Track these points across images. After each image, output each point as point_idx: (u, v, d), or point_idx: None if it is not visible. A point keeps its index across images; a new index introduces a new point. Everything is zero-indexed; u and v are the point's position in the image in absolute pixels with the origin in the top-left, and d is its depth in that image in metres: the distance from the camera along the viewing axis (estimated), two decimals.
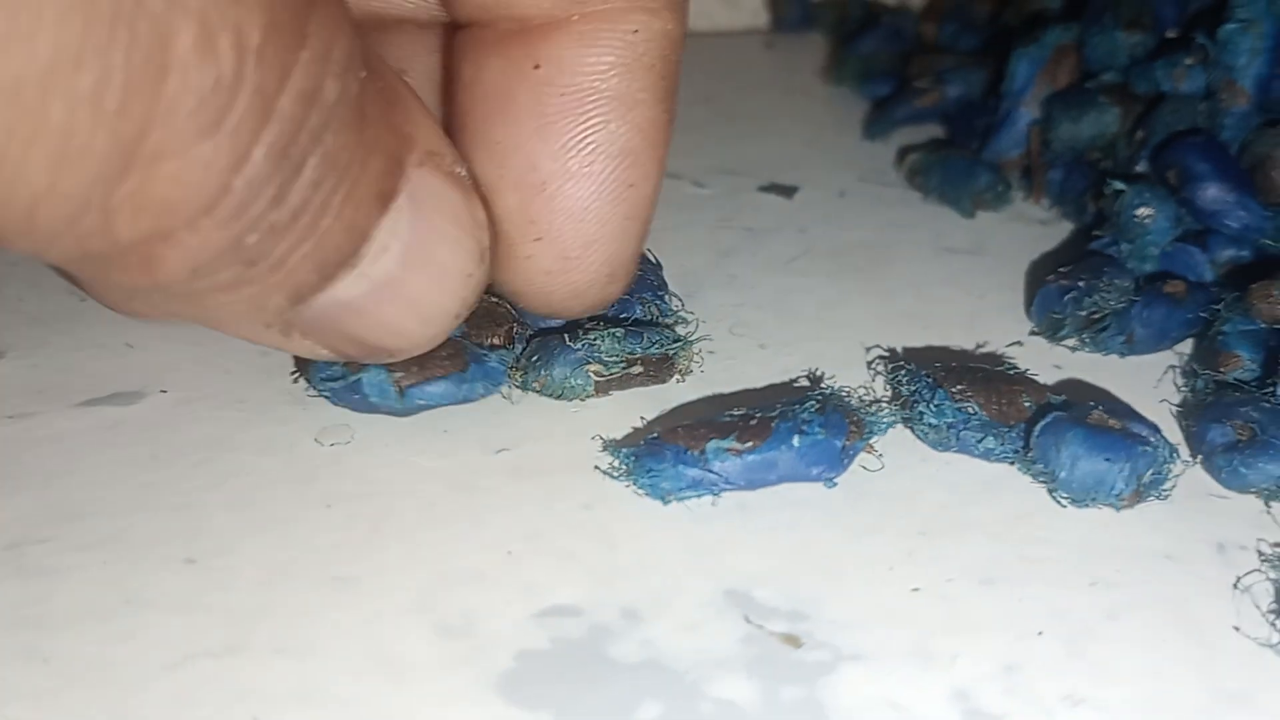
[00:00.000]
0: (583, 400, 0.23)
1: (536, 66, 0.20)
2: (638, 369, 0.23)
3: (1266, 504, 0.21)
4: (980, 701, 0.17)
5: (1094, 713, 0.17)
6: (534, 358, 0.23)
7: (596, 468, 0.21)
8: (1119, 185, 0.27)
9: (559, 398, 0.23)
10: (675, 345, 0.23)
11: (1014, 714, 0.17)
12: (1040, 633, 0.18)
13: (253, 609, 0.18)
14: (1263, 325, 0.24)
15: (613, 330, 0.23)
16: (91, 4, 0.13)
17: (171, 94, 0.14)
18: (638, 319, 0.24)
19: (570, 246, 0.21)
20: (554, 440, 0.22)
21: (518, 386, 0.23)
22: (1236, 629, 0.18)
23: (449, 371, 0.22)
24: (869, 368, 0.25)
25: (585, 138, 0.20)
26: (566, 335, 0.23)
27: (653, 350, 0.23)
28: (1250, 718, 0.17)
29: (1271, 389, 0.22)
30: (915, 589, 0.19)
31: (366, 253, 0.18)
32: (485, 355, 0.22)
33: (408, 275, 0.19)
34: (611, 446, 0.21)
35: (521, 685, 0.17)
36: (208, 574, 0.19)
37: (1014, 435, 0.21)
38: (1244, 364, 0.23)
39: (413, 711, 0.16)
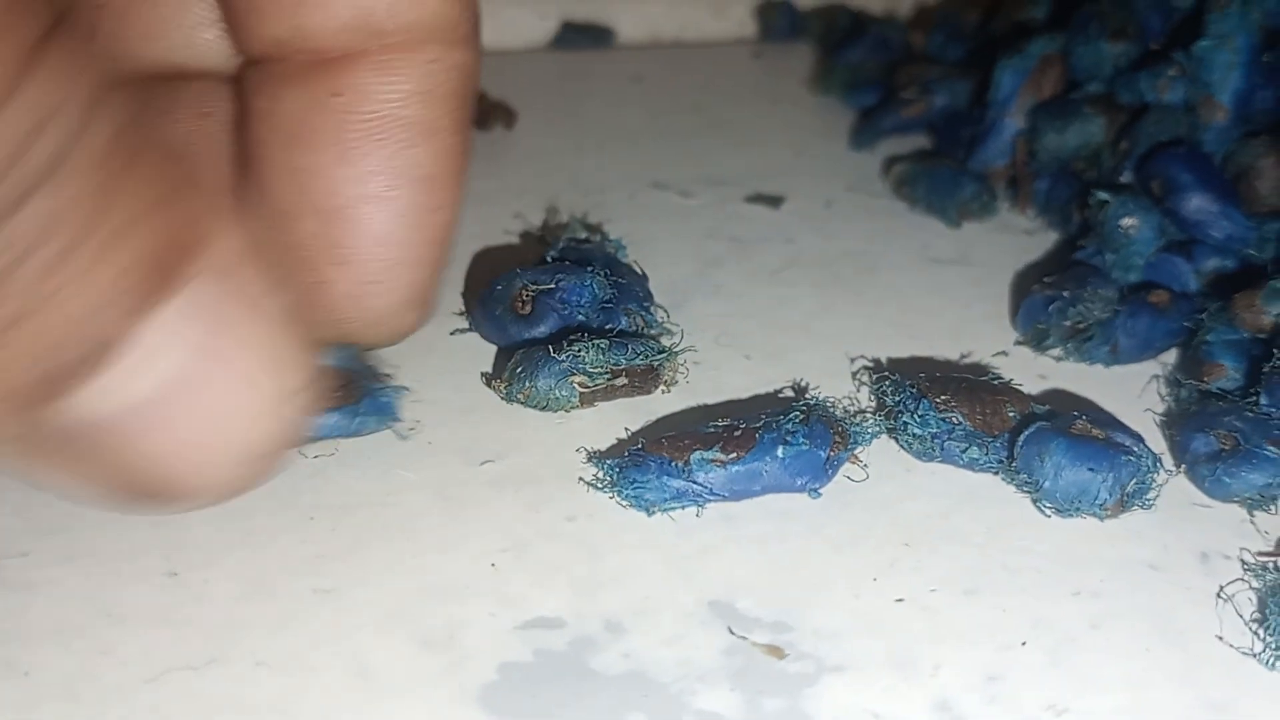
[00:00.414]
0: (567, 411, 0.23)
1: (337, 95, 0.19)
2: (622, 380, 0.23)
3: (1250, 513, 0.21)
4: (962, 711, 0.17)
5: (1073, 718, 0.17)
6: (519, 369, 0.23)
7: (581, 479, 0.21)
8: (1104, 196, 0.27)
9: (544, 409, 0.23)
10: (660, 356, 0.23)
11: (991, 714, 0.17)
12: (1023, 643, 0.18)
13: (233, 621, 0.18)
14: (1246, 334, 0.24)
15: (597, 342, 0.23)
16: None
17: None
18: (623, 330, 0.24)
19: (372, 270, 0.20)
20: (538, 451, 0.22)
21: (502, 398, 0.23)
22: (1219, 638, 0.18)
23: (340, 404, 0.22)
24: (854, 378, 0.25)
25: (387, 162, 0.20)
26: (551, 347, 0.23)
27: (637, 361, 0.23)
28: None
29: (1254, 398, 0.22)
30: (898, 599, 0.19)
31: (120, 363, 0.15)
32: (379, 389, 0.22)
33: (174, 401, 0.16)
34: (596, 458, 0.21)
35: (503, 697, 0.17)
36: (188, 587, 0.19)
37: (998, 445, 0.21)
38: (1228, 373, 0.24)
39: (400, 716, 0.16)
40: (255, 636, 0.18)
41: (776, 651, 0.18)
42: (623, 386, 0.23)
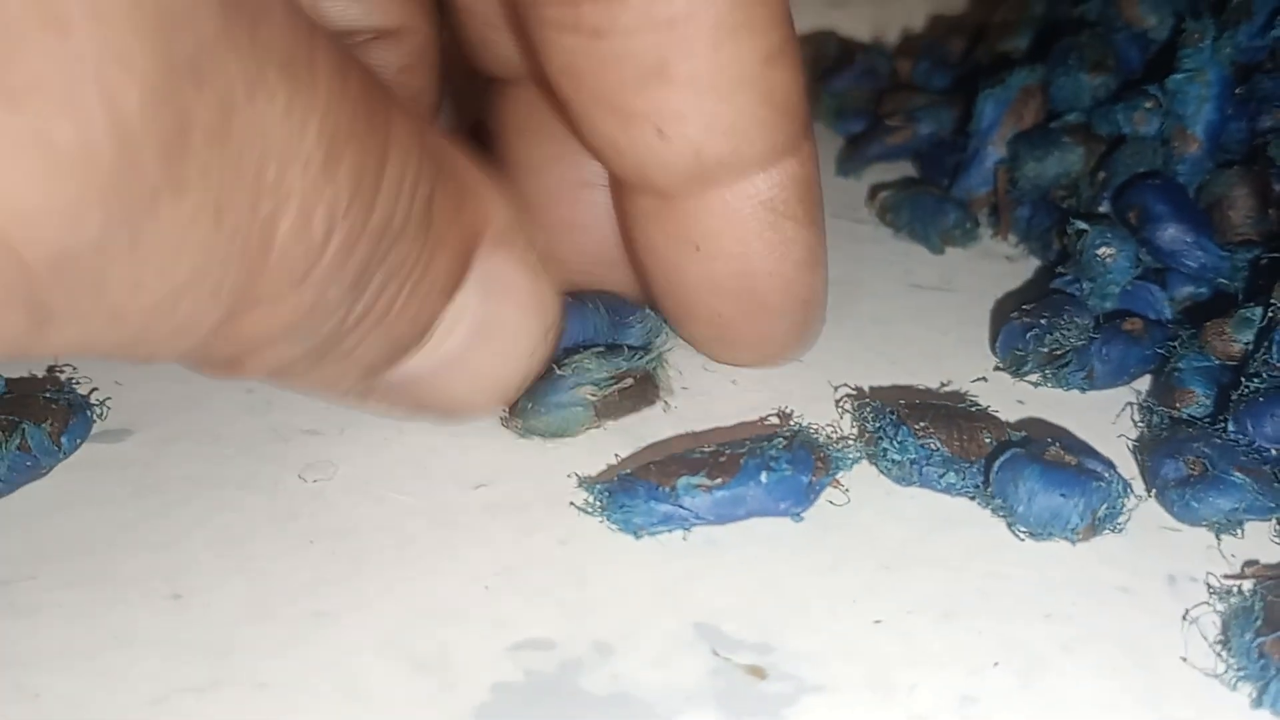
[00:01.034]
0: (584, 430, 0.24)
1: (697, 249, 0.23)
2: (628, 382, 0.24)
3: (1217, 537, 0.22)
4: None
5: None
6: (529, 402, 0.23)
7: (571, 504, 0.22)
8: (1081, 225, 0.28)
9: (562, 433, 0.24)
10: (653, 357, 0.24)
11: None
12: (996, 664, 0.19)
13: (235, 644, 0.19)
14: (1216, 362, 0.25)
15: (595, 349, 0.24)
16: (220, 231, 0.15)
17: (273, 265, 0.16)
18: (610, 344, 0.25)
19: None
20: (530, 477, 0.23)
21: (521, 436, 0.24)
22: (1184, 660, 0.19)
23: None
24: (837, 405, 0.25)
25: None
26: (554, 366, 0.23)
27: (636, 364, 0.24)
28: None
29: (1223, 425, 0.23)
30: (877, 621, 0.20)
31: (434, 334, 0.20)
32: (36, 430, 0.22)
33: (472, 354, 0.21)
34: (586, 483, 0.22)
35: (495, 718, 0.17)
36: (191, 610, 0.19)
37: (974, 471, 0.22)
38: (1198, 400, 0.24)
39: None
40: (256, 659, 0.18)
41: (758, 672, 0.18)
42: (629, 396, 0.24)
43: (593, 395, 0.24)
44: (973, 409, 0.23)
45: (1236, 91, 0.29)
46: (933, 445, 0.22)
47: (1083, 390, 0.26)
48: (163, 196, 0.14)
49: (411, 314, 0.19)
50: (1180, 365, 0.25)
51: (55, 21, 0.13)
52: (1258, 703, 0.18)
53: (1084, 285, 0.28)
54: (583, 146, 0.23)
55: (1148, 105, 0.30)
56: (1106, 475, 0.21)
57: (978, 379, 0.27)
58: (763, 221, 0.22)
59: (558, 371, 0.23)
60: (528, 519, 0.22)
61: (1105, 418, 0.25)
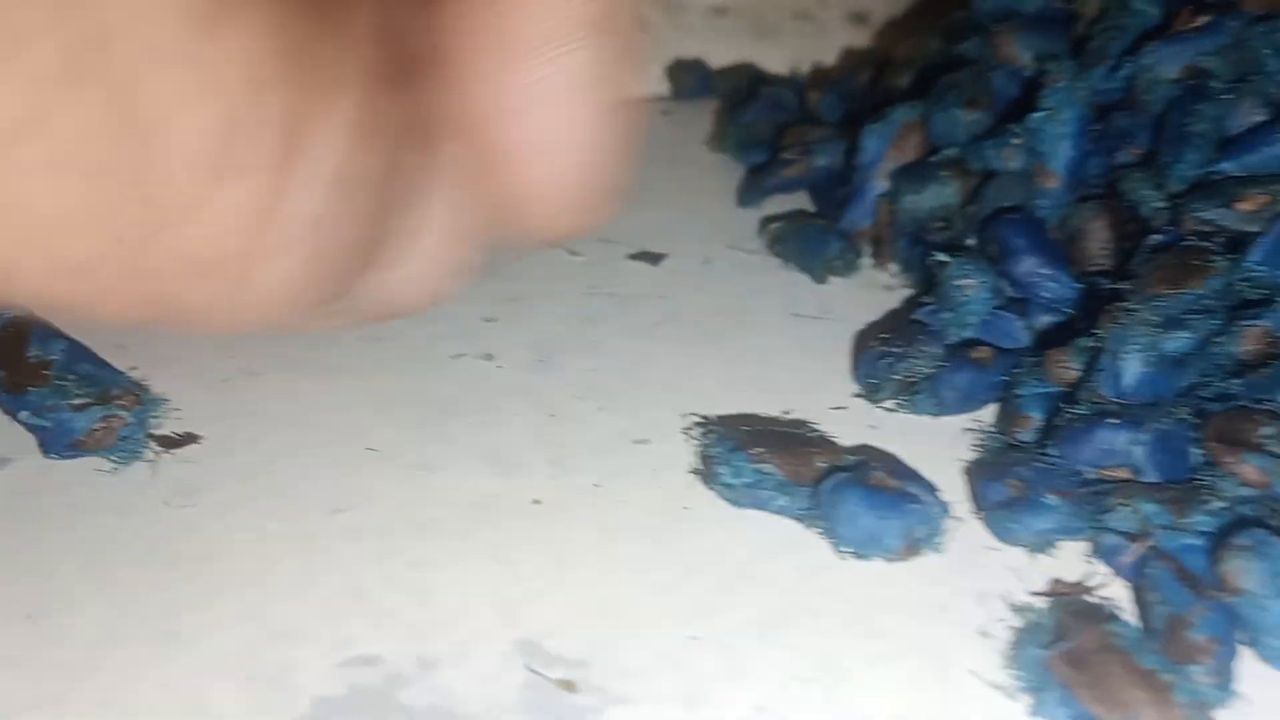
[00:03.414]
0: None
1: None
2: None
3: (1032, 556, 0.23)
4: None
5: None
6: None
7: (424, 529, 0.23)
8: (943, 257, 0.29)
9: None
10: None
11: None
12: (803, 679, 0.20)
13: (84, 664, 0.20)
14: (1056, 388, 0.26)
15: None
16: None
17: (163, 149, 0.13)
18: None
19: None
20: (392, 501, 0.24)
21: None
22: (972, 672, 0.20)
23: None
24: (683, 432, 0.27)
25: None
26: None
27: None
28: None
29: (1044, 449, 0.24)
30: (694, 638, 0.21)
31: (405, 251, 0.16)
32: None
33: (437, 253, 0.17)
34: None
35: None
36: (45, 630, 0.20)
37: (805, 494, 0.23)
38: (1034, 424, 0.26)
39: None
40: (104, 679, 0.20)
41: (569, 685, 0.20)
42: None
43: None
44: (810, 434, 0.25)
45: (1094, 129, 0.31)
46: (766, 469, 0.23)
47: (934, 416, 0.27)
48: None
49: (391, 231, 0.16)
50: (1022, 391, 0.26)
51: None
52: (1034, 711, 0.19)
53: (944, 315, 0.29)
54: None
55: (1014, 142, 0.32)
56: (925, 499, 0.22)
57: (836, 407, 0.28)
58: None
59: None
60: (384, 544, 0.23)
61: (954, 441, 0.26)
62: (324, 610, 0.21)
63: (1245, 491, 0.22)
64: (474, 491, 0.24)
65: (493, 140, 0.20)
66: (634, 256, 0.35)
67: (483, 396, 0.28)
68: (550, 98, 0.19)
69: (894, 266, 0.34)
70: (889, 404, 0.28)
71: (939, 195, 0.33)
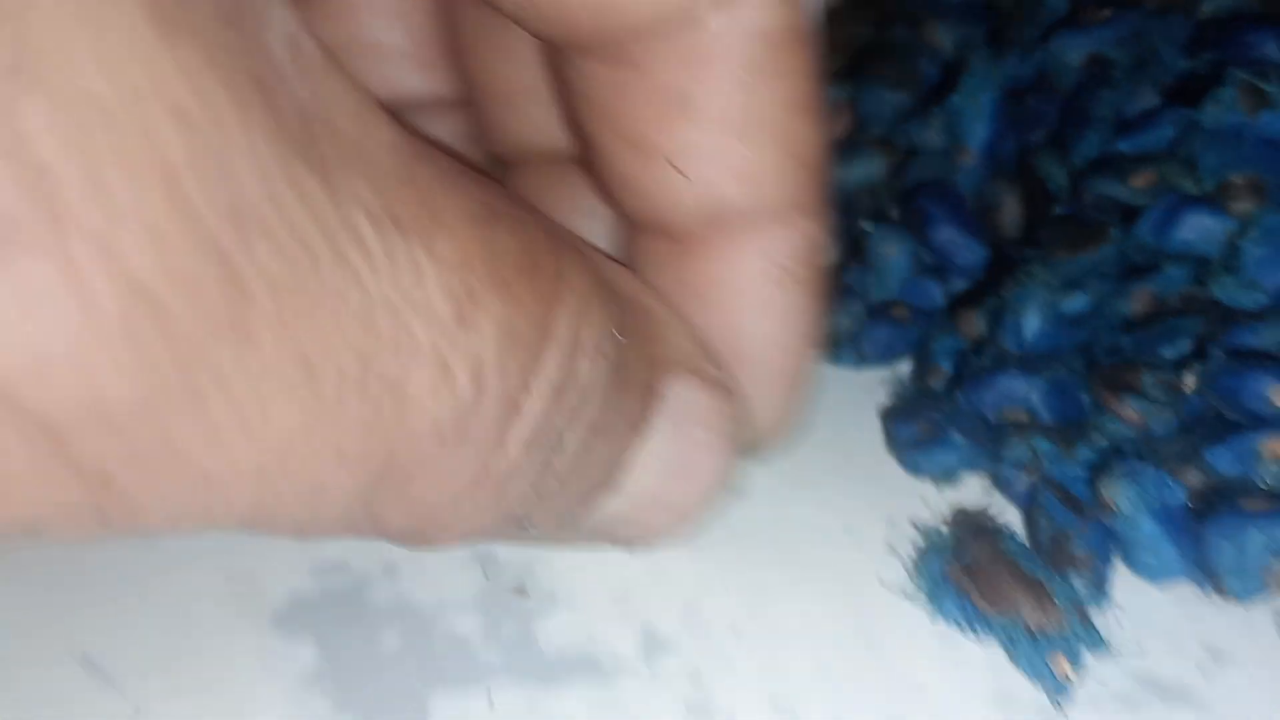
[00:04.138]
0: None
1: (701, 300, 0.21)
2: None
3: (938, 487, 0.25)
4: (664, 635, 0.21)
5: (753, 639, 0.21)
6: None
7: None
8: (867, 226, 0.32)
9: None
10: None
11: (686, 640, 0.21)
12: (722, 586, 0.22)
13: (63, 558, 0.22)
14: (964, 343, 0.29)
15: None
16: (316, 386, 0.13)
17: (410, 427, 0.15)
18: None
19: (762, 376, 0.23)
20: None
21: None
22: (881, 582, 0.23)
23: None
24: None
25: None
26: None
27: None
28: (881, 651, 0.21)
29: (952, 396, 0.26)
30: (630, 553, 0.23)
31: (628, 475, 0.19)
32: None
33: (667, 487, 0.20)
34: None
35: (290, 621, 0.21)
36: None
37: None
38: (944, 375, 0.28)
39: (200, 637, 0.20)
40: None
41: (521, 591, 0.22)
42: None
43: None
44: None
45: (1008, 111, 0.33)
46: None
47: (855, 368, 0.30)
48: (220, 348, 0.12)
49: (607, 461, 0.19)
50: (934, 346, 0.29)
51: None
52: (935, 617, 0.22)
53: (868, 279, 0.32)
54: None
55: (935, 122, 0.34)
56: None
57: None
58: (771, 280, 0.21)
59: None
60: None
61: (870, 390, 0.29)
62: None
63: (1126, 431, 0.25)
64: None
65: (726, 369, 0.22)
66: None
67: None
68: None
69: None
70: (815, 356, 0.30)
71: (866, 170, 0.35)
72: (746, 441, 0.23)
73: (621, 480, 0.19)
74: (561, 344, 0.16)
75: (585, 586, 0.22)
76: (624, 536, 0.21)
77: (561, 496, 0.18)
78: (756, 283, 0.21)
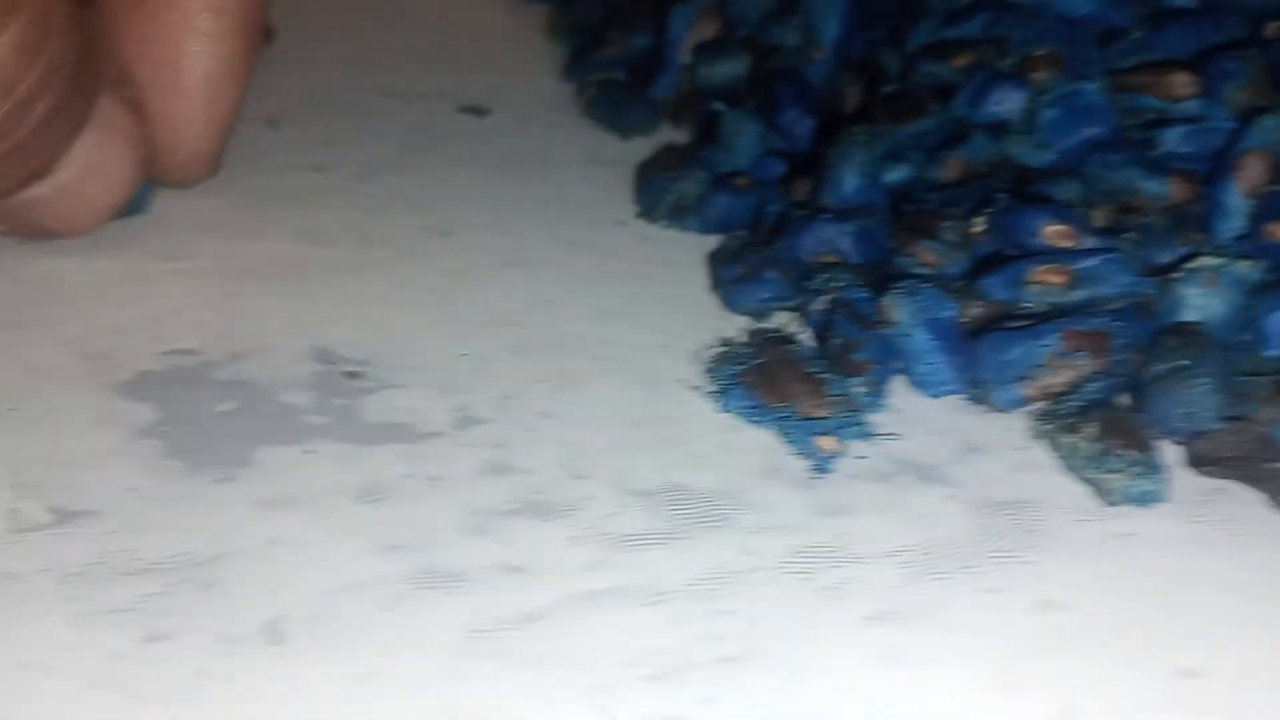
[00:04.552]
0: None
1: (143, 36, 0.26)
2: None
3: (755, 319, 0.28)
4: (478, 414, 0.23)
5: (557, 419, 0.23)
6: None
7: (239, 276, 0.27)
8: (720, 108, 0.34)
9: None
10: None
11: (498, 418, 0.23)
12: (539, 380, 0.25)
13: None
14: (795, 204, 0.31)
15: None
16: None
17: None
18: None
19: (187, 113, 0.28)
20: (213, 256, 0.28)
21: None
22: (679, 380, 0.25)
23: None
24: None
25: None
26: None
27: None
28: (668, 433, 0.23)
29: (771, 243, 0.29)
30: (461, 355, 0.25)
31: (58, 166, 0.24)
32: None
33: (85, 183, 0.25)
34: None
35: (137, 390, 0.23)
36: None
37: None
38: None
39: (49, 405, 0.22)
40: None
41: (354, 375, 0.24)
42: None
43: None
44: None
45: (855, 13, 0.36)
46: None
47: (700, 232, 0.32)
48: None
49: (50, 147, 0.24)
50: (770, 209, 0.31)
51: None
52: (723, 409, 0.24)
53: (720, 158, 0.34)
54: None
55: (795, 22, 0.37)
56: None
57: (619, 222, 0.33)
58: (201, 31, 0.26)
59: None
60: (203, 282, 0.27)
61: (708, 246, 0.31)
62: (148, 319, 0.25)
63: (923, 270, 0.27)
64: (288, 255, 0.29)
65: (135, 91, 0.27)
66: (462, 109, 0.39)
67: (303, 195, 0.32)
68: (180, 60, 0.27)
69: (689, 128, 0.39)
70: (662, 222, 0.32)
71: (732, 68, 0.38)
72: (175, 167, 0.28)
73: (53, 169, 0.24)
74: (59, 30, 0.21)
75: (415, 377, 0.24)
76: (37, 221, 0.25)
77: (12, 167, 0.23)
78: (191, 29, 0.26)
